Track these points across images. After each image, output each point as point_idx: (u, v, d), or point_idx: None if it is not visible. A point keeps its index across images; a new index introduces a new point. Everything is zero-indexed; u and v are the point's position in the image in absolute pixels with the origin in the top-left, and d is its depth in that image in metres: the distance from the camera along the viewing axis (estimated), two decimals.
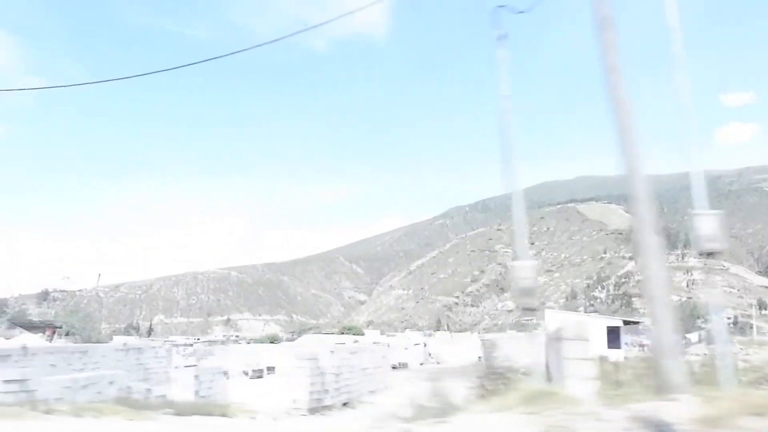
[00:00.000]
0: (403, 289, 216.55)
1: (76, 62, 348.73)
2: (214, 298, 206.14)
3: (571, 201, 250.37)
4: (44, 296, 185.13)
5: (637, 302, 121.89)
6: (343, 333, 35.95)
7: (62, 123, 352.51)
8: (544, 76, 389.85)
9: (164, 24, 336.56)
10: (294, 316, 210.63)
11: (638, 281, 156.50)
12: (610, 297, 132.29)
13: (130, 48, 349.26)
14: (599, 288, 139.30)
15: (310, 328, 50.13)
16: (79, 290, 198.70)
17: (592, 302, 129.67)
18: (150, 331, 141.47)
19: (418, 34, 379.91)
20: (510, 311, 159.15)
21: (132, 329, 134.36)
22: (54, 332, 27.88)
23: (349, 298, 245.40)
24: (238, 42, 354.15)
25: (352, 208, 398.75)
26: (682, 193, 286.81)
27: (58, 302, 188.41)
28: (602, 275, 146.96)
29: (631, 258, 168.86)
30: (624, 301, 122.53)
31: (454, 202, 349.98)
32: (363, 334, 33.60)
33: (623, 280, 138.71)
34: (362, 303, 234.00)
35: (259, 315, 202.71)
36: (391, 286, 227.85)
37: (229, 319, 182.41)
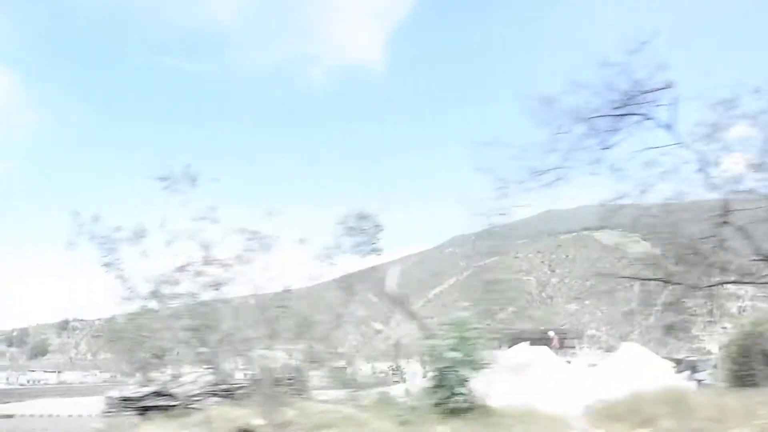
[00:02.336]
0: (426, 318, 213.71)
1: (74, 98, 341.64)
2: (233, 326, 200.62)
3: (586, 229, 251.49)
4: (64, 325, 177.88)
5: (695, 329, 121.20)
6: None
7: (61, 158, 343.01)
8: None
9: (164, 60, 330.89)
10: (314, 345, 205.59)
11: (687, 308, 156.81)
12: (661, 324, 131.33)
13: (130, 84, 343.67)
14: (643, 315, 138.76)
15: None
16: (98, 319, 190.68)
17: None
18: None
19: (418, 64, 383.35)
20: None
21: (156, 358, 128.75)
22: (561, 341, 24.90)
23: (365, 326, 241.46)
24: (237, 75, 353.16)
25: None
26: (686, 224, 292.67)
27: (77, 331, 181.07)
28: (643, 302, 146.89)
29: (665, 286, 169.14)
30: (682, 327, 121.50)
31: (458, 231, 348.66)
32: None
33: (669, 307, 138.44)
34: (379, 332, 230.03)
35: (280, 344, 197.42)
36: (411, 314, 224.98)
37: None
